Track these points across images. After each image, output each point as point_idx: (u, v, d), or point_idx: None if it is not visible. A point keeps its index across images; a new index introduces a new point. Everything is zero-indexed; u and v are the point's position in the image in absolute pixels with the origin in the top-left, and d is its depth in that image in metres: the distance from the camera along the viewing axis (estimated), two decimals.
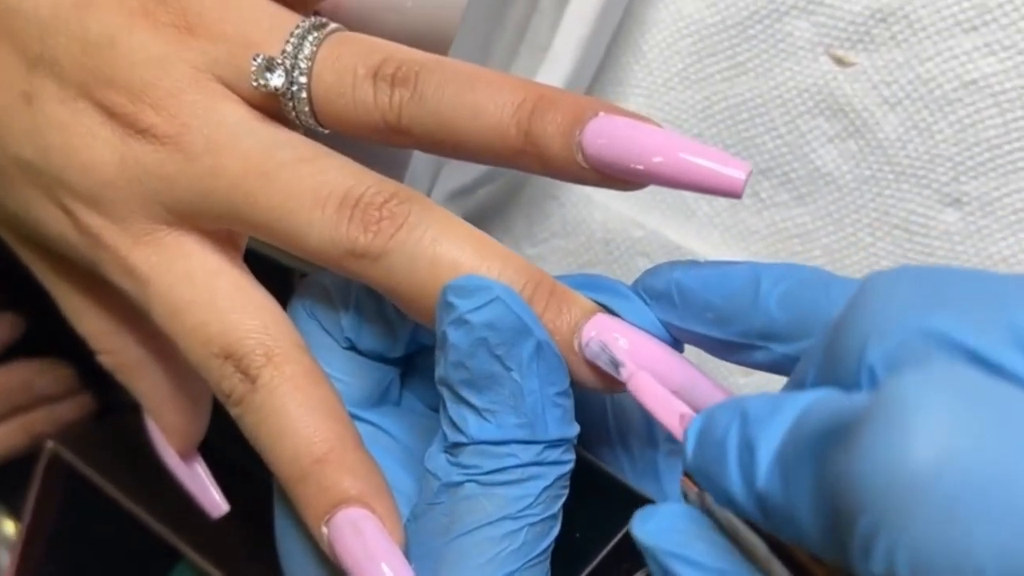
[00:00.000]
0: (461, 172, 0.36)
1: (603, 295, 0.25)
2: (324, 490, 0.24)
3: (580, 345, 0.24)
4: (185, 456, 0.32)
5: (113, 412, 0.57)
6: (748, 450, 0.19)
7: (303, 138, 0.26)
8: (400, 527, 0.25)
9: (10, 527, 0.56)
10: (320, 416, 0.25)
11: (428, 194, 0.35)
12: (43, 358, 0.55)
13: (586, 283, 0.26)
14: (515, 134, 0.24)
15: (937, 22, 0.32)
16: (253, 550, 0.49)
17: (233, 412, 0.26)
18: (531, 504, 0.24)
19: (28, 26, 0.26)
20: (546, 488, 0.24)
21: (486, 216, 0.40)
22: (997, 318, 0.18)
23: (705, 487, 0.20)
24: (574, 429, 0.25)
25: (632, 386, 0.23)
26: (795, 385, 0.22)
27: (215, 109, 0.25)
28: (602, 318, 0.24)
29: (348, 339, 0.27)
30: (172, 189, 0.25)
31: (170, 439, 0.31)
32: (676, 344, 0.25)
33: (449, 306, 0.23)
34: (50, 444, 0.49)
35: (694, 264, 0.25)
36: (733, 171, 0.22)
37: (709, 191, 0.22)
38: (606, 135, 0.23)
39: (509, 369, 0.23)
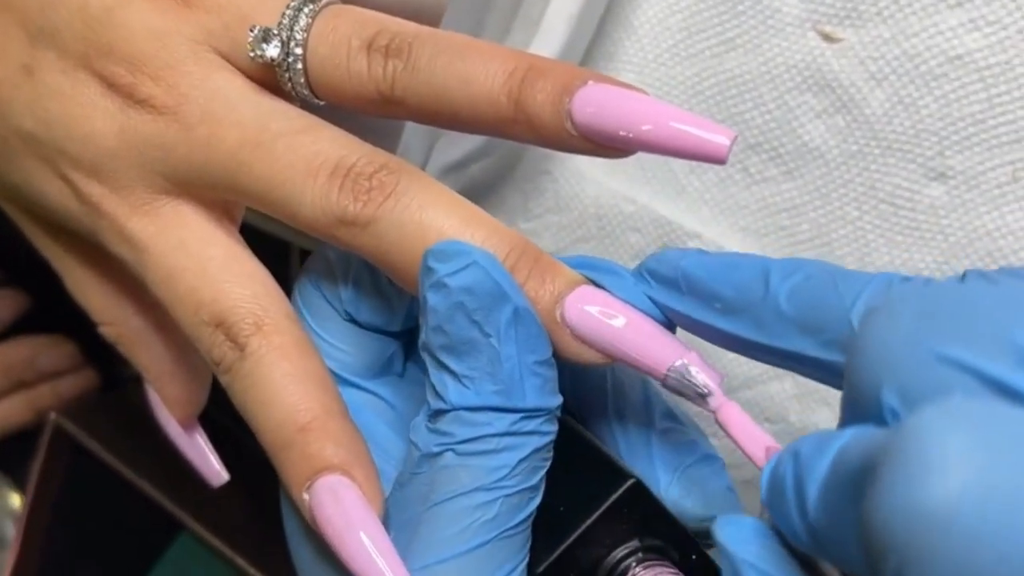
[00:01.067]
0: (455, 147, 0.36)
1: (593, 272, 0.26)
2: (306, 457, 0.25)
3: (562, 316, 0.24)
4: (186, 426, 0.32)
5: (116, 386, 0.57)
6: (799, 487, 0.20)
7: (297, 109, 0.26)
8: (380, 496, 0.25)
9: (15, 499, 0.57)
10: (305, 385, 0.25)
11: (423, 168, 0.36)
12: (46, 334, 0.55)
13: (578, 263, 0.26)
14: (506, 103, 0.24)
15: None
16: (253, 522, 0.50)
17: (222, 380, 0.26)
18: (506, 476, 0.24)
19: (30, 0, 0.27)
20: (522, 460, 0.24)
21: (480, 191, 0.40)
22: (1002, 340, 0.18)
23: (777, 521, 0.21)
24: (555, 400, 0.25)
25: (721, 417, 0.23)
26: (841, 421, 0.22)
27: (211, 80, 0.26)
28: (586, 289, 0.25)
29: (347, 312, 0.28)
30: (170, 159, 0.26)
31: (171, 409, 0.32)
32: (669, 325, 0.26)
33: (429, 270, 0.24)
34: (53, 417, 0.50)
35: (702, 253, 0.25)
36: (718, 137, 0.23)
37: (695, 157, 0.23)
38: (595, 103, 0.24)
39: (487, 335, 0.24)
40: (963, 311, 0.19)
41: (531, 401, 0.24)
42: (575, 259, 0.26)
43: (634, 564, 0.25)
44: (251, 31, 0.26)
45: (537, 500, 0.25)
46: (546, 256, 0.25)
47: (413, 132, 0.33)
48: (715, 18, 0.36)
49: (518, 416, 0.24)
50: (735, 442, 0.23)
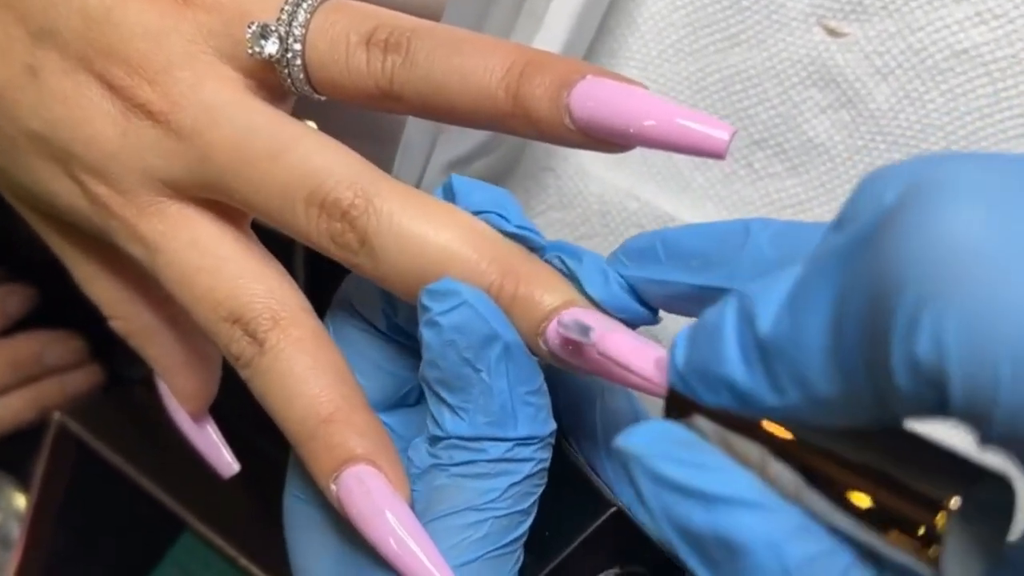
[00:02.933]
0: (457, 143, 0.36)
1: (567, 256, 0.26)
2: (331, 448, 0.25)
3: (546, 340, 0.24)
4: (196, 418, 0.32)
5: (120, 385, 0.57)
6: (747, 316, 0.19)
7: (283, 121, 0.26)
8: (405, 482, 0.25)
9: (19, 499, 0.57)
10: (326, 377, 0.26)
11: (425, 165, 0.36)
12: (53, 329, 0.55)
13: (553, 247, 0.26)
14: (504, 97, 0.24)
15: None
16: (257, 521, 0.50)
17: (243, 374, 0.27)
18: (497, 498, 0.25)
19: (32, 0, 0.27)
20: (514, 484, 0.25)
21: None
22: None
23: (696, 388, 0.20)
24: (547, 427, 0.25)
25: (603, 346, 0.23)
26: None
27: (203, 89, 0.26)
28: (573, 309, 0.25)
29: (386, 317, 0.28)
30: (169, 166, 0.26)
31: (182, 401, 0.32)
32: (651, 311, 0.25)
33: (423, 308, 0.24)
34: (57, 416, 0.50)
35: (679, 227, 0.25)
36: (717, 132, 0.23)
37: (694, 153, 0.23)
38: (593, 98, 0.24)
39: (478, 370, 0.24)
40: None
41: (523, 430, 0.25)
42: (550, 244, 0.26)
43: None
44: (249, 27, 0.25)
45: (528, 522, 0.26)
46: (530, 271, 0.25)
47: (415, 129, 0.33)
48: (719, 13, 0.36)
49: (511, 444, 0.25)
50: (623, 366, 0.22)
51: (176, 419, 0.33)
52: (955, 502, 0.17)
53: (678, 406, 0.21)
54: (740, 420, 0.20)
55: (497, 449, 0.25)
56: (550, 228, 0.41)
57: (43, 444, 0.51)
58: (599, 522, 0.25)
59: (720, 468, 0.20)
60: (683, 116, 0.23)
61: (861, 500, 0.18)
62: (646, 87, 0.24)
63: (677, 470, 0.20)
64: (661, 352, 0.22)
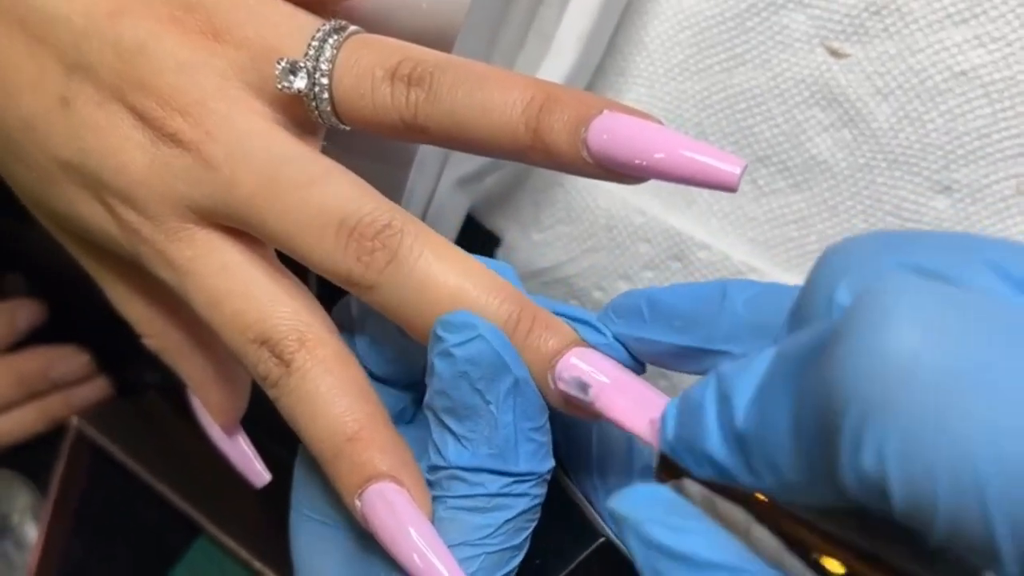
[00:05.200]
0: (469, 160, 0.37)
1: (570, 321, 0.27)
2: (356, 466, 0.26)
3: (556, 377, 0.25)
4: (228, 430, 0.34)
5: (133, 392, 0.58)
6: (725, 401, 0.20)
7: (313, 156, 0.27)
8: (427, 498, 0.26)
9: (37, 503, 0.58)
10: (351, 397, 0.27)
11: (437, 180, 0.37)
12: (60, 344, 0.56)
13: (557, 311, 0.27)
14: (524, 131, 0.25)
15: (928, 15, 0.33)
16: (271, 525, 0.51)
17: (270, 394, 0.28)
18: (491, 534, 0.26)
19: (65, 34, 0.28)
20: (508, 520, 0.26)
21: (494, 203, 0.41)
22: (972, 256, 0.18)
23: (684, 459, 0.22)
24: (546, 464, 0.26)
25: (601, 404, 0.24)
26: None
27: (236, 120, 0.27)
28: (580, 349, 0.26)
29: (363, 364, 0.29)
30: (196, 194, 0.27)
31: (213, 415, 0.33)
32: (638, 364, 0.26)
33: (438, 338, 0.25)
34: (75, 421, 0.51)
35: (663, 287, 0.26)
36: (729, 167, 0.23)
37: (706, 185, 0.24)
38: (609, 131, 0.24)
39: (488, 402, 0.25)
40: (932, 237, 0.19)
41: (524, 466, 0.26)
42: (556, 307, 0.27)
43: None
44: (278, 64, 0.26)
45: (519, 558, 0.27)
46: (542, 313, 0.26)
47: (429, 146, 0.34)
48: (724, 34, 0.37)
49: (510, 479, 0.26)
50: (619, 424, 0.24)
51: (209, 432, 0.34)
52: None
53: (668, 469, 0.22)
54: (726, 487, 0.21)
55: (495, 484, 0.26)
56: (559, 242, 0.42)
57: (61, 449, 0.52)
58: (586, 553, 0.26)
59: (705, 532, 0.21)
60: (697, 151, 0.24)
61: (835, 567, 0.20)
62: (661, 122, 0.25)
63: (664, 534, 0.21)
64: (656, 412, 0.23)
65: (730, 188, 0.23)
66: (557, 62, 0.36)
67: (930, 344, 0.16)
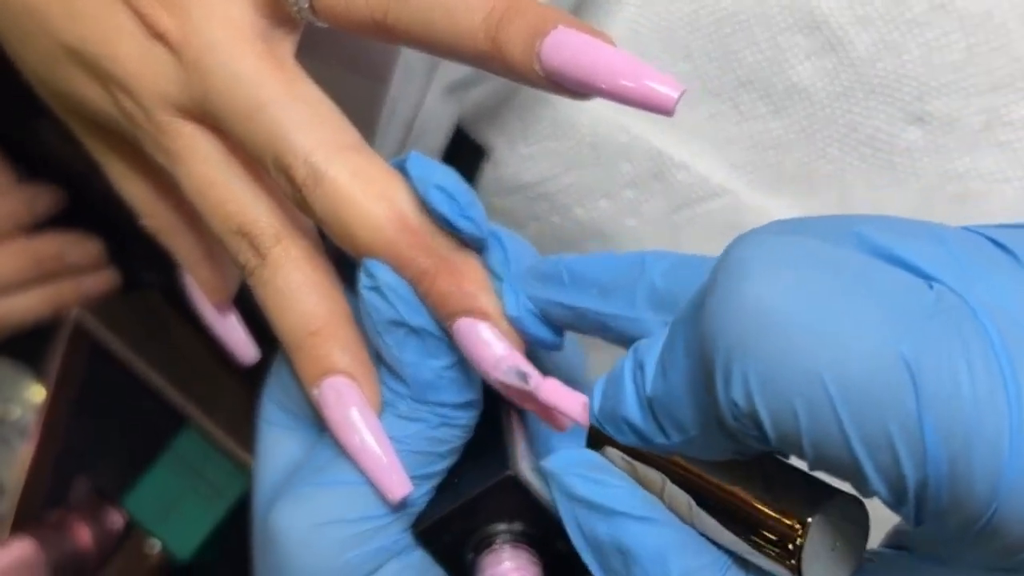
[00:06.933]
0: (457, 67, 0.38)
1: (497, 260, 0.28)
2: (316, 359, 0.29)
3: (457, 331, 0.27)
4: (220, 308, 0.35)
5: (137, 288, 0.60)
6: (640, 369, 0.22)
7: (267, 74, 0.28)
8: (378, 395, 0.29)
9: (36, 391, 0.59)
10: (318, 295, 0.29)
11: (426, 89, 0.38)
12: (75, 231, 0.57)
13: (493, 234, 0.28)
14: (483, 39, 0.26)
15: None
16: (255, 416, 0.53)
17: (248, 282, 0.30)
18: (412, 436, 0.28)
19: None
20: (427, 432, 0.28)
21: (481, 115, 0.42)
22: (844, 230, 0.20)
23: (608, 428, 0.24)
24: (462, 397, 0.28)
25: (540, 393, 0.26)
26: None
27: (210, 25, 0.28)
28: (512, 355, 0.27)
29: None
30: (179, 93, 0.29)
31: (206, 292, 0.35)
32: (556, 331, 0.28)
33: (360, 276, 0.28)
34: (75, 312, 0.53)
35: (581, 255, 0.27)
36: (666, 90, 0.24)
37: (646, 108, 0.24)
38: (560, 47, 0.25)
39: (388, 344, 0.28)
40: (819, 219, 0.21)
41: (433, 397, 0.28)
42: (491, 231, 0.28)
43: (499, 542, 0.28)
44: None
45: (442, 465, 0.29)
46: (454, 261, 0.28)
47: (415, 53, 0.35)
48: None
49: (424, 405, 0.28)
50: (558, 409, 0.26)
51: (201, 310, 0.35)
52: (812, 519, 0.21)
53: (596, 439, 0.25)
54: (644, 452, 0.24)
55: (406, 405, 0.28)
56: (545, 157, 0.43)
57: (59, 338, 0.54)
58: (492, 482, 0.28)
59: (621, 487, 0.24)
60: (637, 72, 0.24)
61: (739, 518, 0.22)
62: (611, 40, 0.25)
63: (585, 486, 0.24)
64: (584, 398, 0.25)
65: (666, 112, 0.24)
66: None
67: (781, 287, 0.18)
